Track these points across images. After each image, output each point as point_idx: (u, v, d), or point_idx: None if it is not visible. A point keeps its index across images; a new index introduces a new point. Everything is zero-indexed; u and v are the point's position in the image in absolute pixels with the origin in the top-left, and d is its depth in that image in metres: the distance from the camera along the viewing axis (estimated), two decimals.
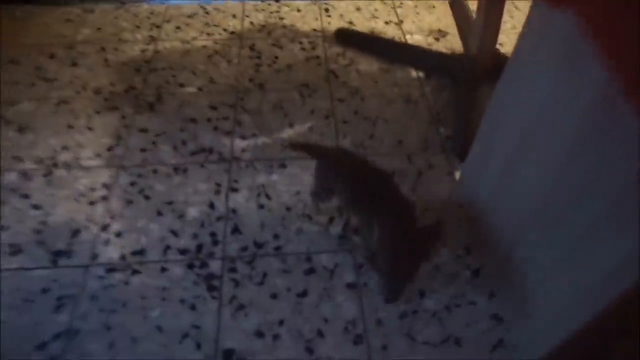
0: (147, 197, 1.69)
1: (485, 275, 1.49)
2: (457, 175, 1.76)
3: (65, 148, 1.84)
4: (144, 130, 1.92)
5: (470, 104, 1.96)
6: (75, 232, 1.58)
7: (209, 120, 1.97)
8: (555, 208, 1.18)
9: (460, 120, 1.92)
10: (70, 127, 1.92)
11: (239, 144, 1.87)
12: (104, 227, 1.59)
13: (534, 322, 1.28)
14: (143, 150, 1.84)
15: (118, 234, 1.58)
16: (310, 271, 1.49)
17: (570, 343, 1.17)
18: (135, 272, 1.48)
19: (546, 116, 1.19)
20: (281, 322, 1.38)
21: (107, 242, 1.55)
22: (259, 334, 1.36)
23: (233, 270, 1.49)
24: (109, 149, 1.85)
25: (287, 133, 1.92)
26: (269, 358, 1.31)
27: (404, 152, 1.85)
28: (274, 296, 1.43)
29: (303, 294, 1.44)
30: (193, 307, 1.41)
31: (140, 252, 1.53)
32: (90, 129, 1.92)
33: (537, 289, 1.27)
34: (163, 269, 1.49)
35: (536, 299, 1.27)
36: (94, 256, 1.52)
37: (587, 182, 1.07)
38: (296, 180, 1.74)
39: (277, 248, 1.55)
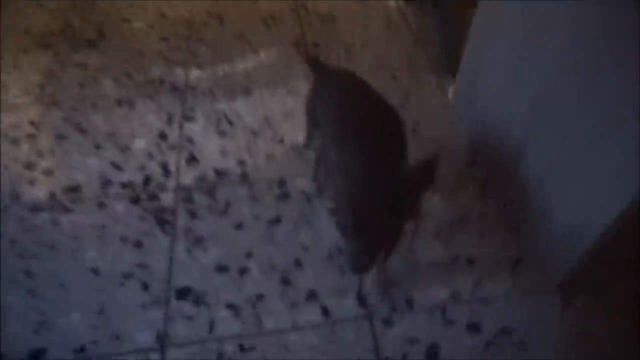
0: (83, 131, 1.40)
1: (494, 188, 1.25)
2: (450, 91, 1.52)
3: None
4: (82, 66, 1.63)
5: (457, 19, 1.73)
6: None
7: (158, 53, 1.69)
8: (562, 106, 0.96)
9: (447, 35, 1.69)
10: None
11: (195, 74, 1.60)
12: (29, 166, 1.30)
13: (552, 234, 1.04)
14: (81, 85, 1.55)
15: (47, 172, 1.28)
16: (284, 197, 1.22)
17: (595, 250, 0.94)
18: (66, 210, 1.19)
19: (544, 14, 0.98)
20: (249, 254, 1.11)
21: (32, 181, 1.26)
22: (222, 269, 1.08)
23: (189, 200, 1.22)
24: (39, 86, 1.55)
25: (251, 61, 1.66)
26: (235, 295, 1.03)
27: (388, 72, 1.61)
28: (239, 226, 1.16)
29: (275, 220, 1.17)
30: (138, 245, 1.12)
31: (73, 189, 1.24)
32: (16, 67, 1.63)
33: (552, 198, 1.03)
34: (101, 205, 1.20)
35: (552, 209, 1.03)
36: (15, 197, 1.22)
37: (590, 75, 0.87)
38: (263, 106, 1.48)
39: (243, 175, 1.28)
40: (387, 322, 0.99)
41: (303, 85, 1.48)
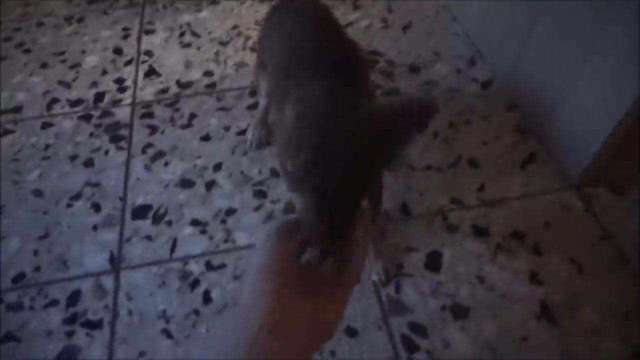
0: (27, 51, 1.22)
1: (500, 87, 1.08)
2: None
3: None
4: None
5: None
6: None
7: None
8: None
9: None
10: None
11: None
12: None
13: (566, 127, 0.89)
14: (25, 5, 1.37)
15: None
16: (257, 106, 1.06)
17: (616, 138, 0.79)
18: (6, 132, 1.03)
19: None
20: (218, 166, 0.95)
21: None
22: (186, 184, 0.93)
23: (148, 115, 1.05)
24: None
25: None
26: (201, 211, 0.89)
27: None
28: (206, 138, 1.00)
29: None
30: (88, 164, 0.97)
31: (14, 110, 1.08)
32: None
33: (564, 89, 0.87)
34: (46, 125, 1.04)
35: (567, 100, 0.87)
36: None
37: None
38: (232, 15, 1.30)
39: (210, 86, 1.11)
40: (380, 233, 0.85)
41: None
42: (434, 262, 0.81)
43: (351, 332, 0.73)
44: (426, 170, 0.93)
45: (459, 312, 0.74)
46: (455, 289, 0.77)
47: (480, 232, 0.84)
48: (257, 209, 0.88)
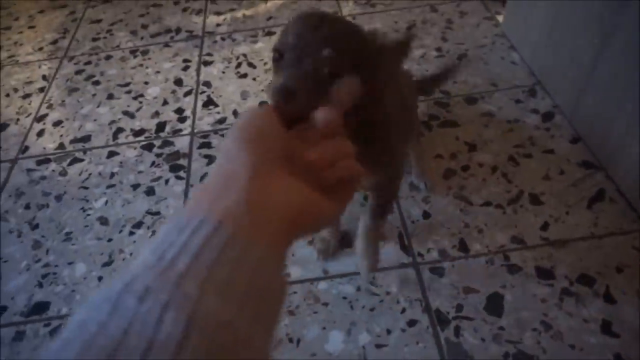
0: (96, 83, 1.30)
1: (562, 119, 1.04)
2: (501, 17, 1.31)
3: None
4: (96, 21, 1.54)
5: None
6: (2, 127, 1.20)
7: (176, 3, 1.58)
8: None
9: None
10: (6, 28, 1.56)
11: (214, 20, 1.47)
12: (39, 119, 1.21)
13: (636, 162, 0.84)
14: (95, 39, 1.46)
15: (56, 123, 1.19)
16: None
17: None
18: (75, 160, 1.09)
19: None
20: None
21: (41, 133, 1.17)
22: None
23: (206, 145, 1.09)
24: (53, 42, 1.47)
25: (272, 2, 1.51)
26: None
27: (425, 2, 1.42)
28: None
29: None
30: (150, 192, 1.00)
31: (83, 139, 1.14)
32: (31, 27, 1.56)
33: (635, 121, 0.82)
34: (112, 154, 1.10)
35: (638, 134, 0.82)
36: (24, 149, 1.14)
37: None
38: None
39: None
40: (436, 270, 0.83)
41: None
42: (495, 305, 0.77)
43: None
44: (485, 206, 0.90)
45: None
46: (519, 335, 0.73)
47: (544, 274, 0.80)
48: (311, 242, 0.88)
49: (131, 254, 0.90)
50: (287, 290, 0.29)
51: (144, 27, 1.48)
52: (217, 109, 1.17)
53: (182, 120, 1.16)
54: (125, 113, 1.19)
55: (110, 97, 1.25)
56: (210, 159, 1.05)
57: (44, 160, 1.10)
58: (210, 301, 0.22)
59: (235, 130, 0.32)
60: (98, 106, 1.22)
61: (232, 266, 0.24)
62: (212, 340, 0.21)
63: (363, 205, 0.77)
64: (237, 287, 0.24)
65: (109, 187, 1.03)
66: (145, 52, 1.38)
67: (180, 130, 1.13)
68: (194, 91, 1.23)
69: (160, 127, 1.15)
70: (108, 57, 1.38)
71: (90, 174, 1.06)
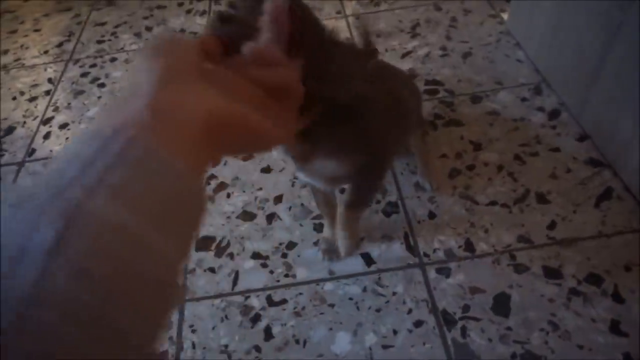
0: (101, 85, 1.30)
1: (569, 116, 1.03)
2: (506, 15, 1.31)
3: (4, 52, 1.49)
4: (101, 24, 1.55)
5: None
6: (9, 130, 1.21)
7: (180, 5, 1.58)
8: None
9: None
10: (12, 32, 1.57)
11: None
12: (46, 122, 1.22)
13: None
14: (100, 42, 1.47)
15: (63, 126, 1.20)
16: None
17: None
18: None
19: None
20: (278, 198, 0.96)
21: (47, 136, 1.18)
22: (247, 216, 0.94)
23: None
24: (58, 45, 1.48)
25: None
26: (262, 243, 0.89)
27: (429, 0, 1.41)
28: (266, 170, 1.02)
29: None
30: None
31: None
32: (37, 31, 1.57)
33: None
34: None
35: None
36: (31, 152, 1.15)
37: None
38: None
39: None
40: (443, 270, 0.82)
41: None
42: (501, 305, 0.77)
43: None
44: (491, 205, 0.90)
45: None
46: (526, 336, 0.73)
47: (552, 273, 0.80)
48: (317, 242, 0.88)
49: None
50: (206, 205, 0.26)
51: (148, 29, 1.49)
52: None
53: None
54: None
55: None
56: None
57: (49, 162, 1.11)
58: (97, 204, 0.20)
59: (144, 46, 0.29)
60: None
61: (129, 171, 0.22)
62: (95, 241, 0.19)
63: None
64: (133, 191, 0.22)
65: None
66: None
67: None
68: None
69: None
70: (113, 60, 1.39)
71: None
